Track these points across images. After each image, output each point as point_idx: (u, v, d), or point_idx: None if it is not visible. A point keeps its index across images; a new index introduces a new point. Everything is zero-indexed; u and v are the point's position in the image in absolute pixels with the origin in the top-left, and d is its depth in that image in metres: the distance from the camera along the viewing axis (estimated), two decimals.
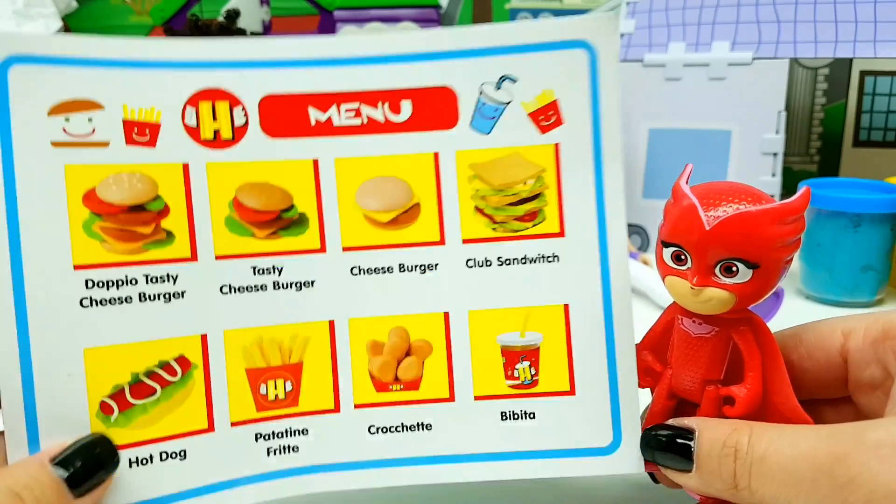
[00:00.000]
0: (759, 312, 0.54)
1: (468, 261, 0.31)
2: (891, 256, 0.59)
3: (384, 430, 0.31)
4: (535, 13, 0.96)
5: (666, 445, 0.24)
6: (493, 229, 0.31)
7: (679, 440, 0.23)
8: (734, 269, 0.22)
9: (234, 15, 0.62)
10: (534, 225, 0.31)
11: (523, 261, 0.31)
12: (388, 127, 0.31)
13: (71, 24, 1.10)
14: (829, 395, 0.26)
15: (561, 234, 0.31)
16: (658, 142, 0.73)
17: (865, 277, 0.59)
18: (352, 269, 0.31)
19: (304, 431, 0.31)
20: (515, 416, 0.31)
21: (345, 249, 0.31)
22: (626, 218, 0.32)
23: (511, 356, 0.31)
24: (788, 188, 0.81)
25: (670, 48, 0.73)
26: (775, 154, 0.71)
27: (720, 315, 0.24)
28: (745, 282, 0.22)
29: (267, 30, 0.99)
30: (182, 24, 0.62)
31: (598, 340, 0.31)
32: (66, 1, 1.02)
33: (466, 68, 0.30)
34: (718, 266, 0.22)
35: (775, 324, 0.56)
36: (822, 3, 0.70)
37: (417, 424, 0.31)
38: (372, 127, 0.31)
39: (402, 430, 0.31)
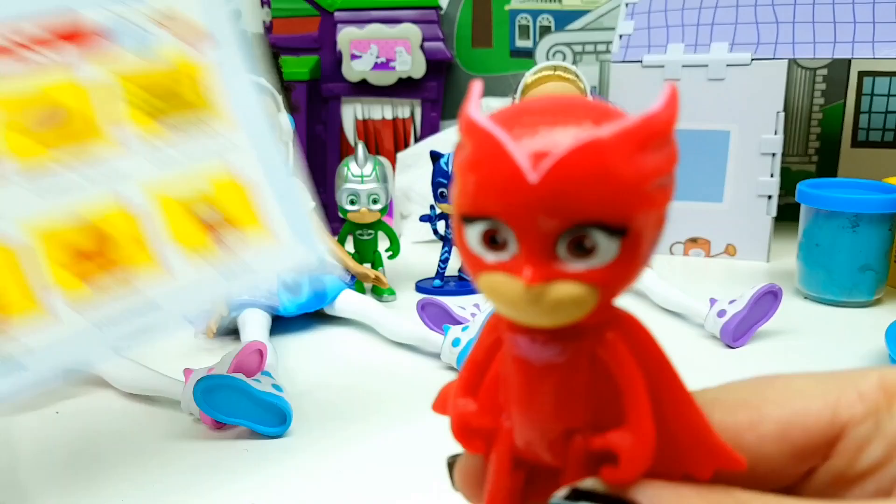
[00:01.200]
0: (757, 313, 0.54)
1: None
2: (889, 256, 0.60)
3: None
4: (535, 14, 0.96)
5: None
6: None
7: None
8: (588, 243, 0.13)
9: (234, 16, 0.63)
10: None
11: None
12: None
13: None
14: (760, 488, 0.15)
15: None
16: None
17: (864, 277, 0.59)
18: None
19: None
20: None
21: None
22: None
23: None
24: (787, 189, 0.82)
25: (669, 49, 0.74)
26: (774, 154, 0.71)
27: (575, 324, 0.15)
28: (608, 262, 0.13)
29: (268, 31, 0.99)
30: None
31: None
32: None
33: None
34: (563, 242, 0.13)
35: (773, 325, 0.57)
36: (821, 4, 0.70)
37: None
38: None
39: None
